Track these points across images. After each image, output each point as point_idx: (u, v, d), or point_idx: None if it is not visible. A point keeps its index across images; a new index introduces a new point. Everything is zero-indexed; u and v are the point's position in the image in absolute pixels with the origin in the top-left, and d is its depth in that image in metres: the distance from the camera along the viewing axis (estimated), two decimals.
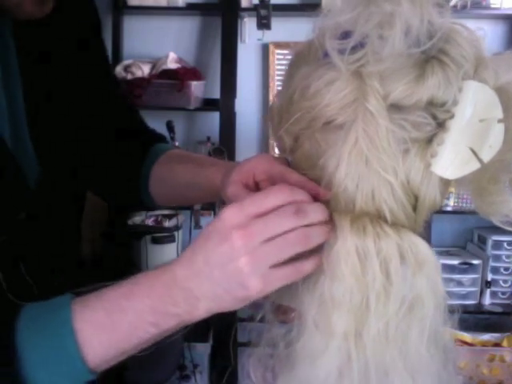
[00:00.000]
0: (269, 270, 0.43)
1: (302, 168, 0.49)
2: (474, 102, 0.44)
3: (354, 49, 0.43)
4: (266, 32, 2.14)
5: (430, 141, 0.45)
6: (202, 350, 2.08)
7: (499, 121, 0.43)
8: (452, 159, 0.44)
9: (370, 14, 0.42)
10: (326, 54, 0.45)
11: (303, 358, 0.46)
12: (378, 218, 0.45)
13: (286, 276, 0.44)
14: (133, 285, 0.48)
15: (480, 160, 0.44)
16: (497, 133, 0.43)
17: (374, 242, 0.44)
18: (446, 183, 0.46)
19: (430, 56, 0.44)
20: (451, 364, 0.48)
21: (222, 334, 2.09)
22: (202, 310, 0.46)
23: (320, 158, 0.46)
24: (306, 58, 0.49)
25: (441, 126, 0.44)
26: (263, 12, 2.06)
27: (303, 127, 0.48)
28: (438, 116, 0.44)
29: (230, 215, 0.44)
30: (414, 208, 0.46)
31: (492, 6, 2.10)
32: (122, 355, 0.48)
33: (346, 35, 0.43)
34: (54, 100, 0.67)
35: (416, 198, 0.46)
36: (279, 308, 0.50)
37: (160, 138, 0.81)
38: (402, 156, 0.44)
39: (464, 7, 2.04)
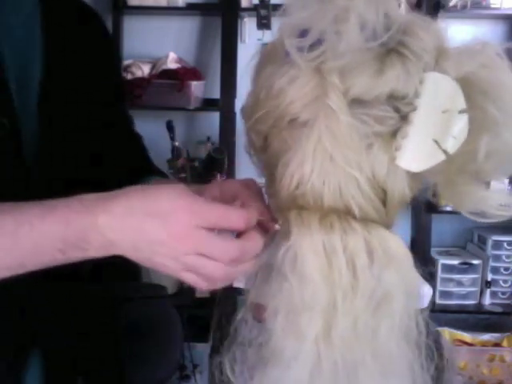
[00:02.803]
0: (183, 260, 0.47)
1: (271, 166, 0.49)
2: (435, 94, 0.43)
3: (313, 46, 0.43)
4: (266, 32, 2.13)
5: (393, 134, 0.44)
6: (202, 350, 2.08)
7: (462, 111, 0.43)
8: (417, 152, 0.44)
9: (325, 10, 0.42)
10: (288, 53, 0.45)
11: (274, 360, 0.46)
12: (347, 214, 0.45)
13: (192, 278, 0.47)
14: (51, 209, 0.47)
15: (445, 151, 0.43)
16: (461, 123, 0.43)
17: (341, 238, 0.44)
18: (414, 176, 0.46)
19: (390, 49, 0.43)
20: (424, 359, 0.47)
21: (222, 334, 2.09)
22: (116, 252, 0.47)
23: (286, 156, 0.46)
24: (271, 57, 0.49)
25: (404, 118, 0.44)
26: (263, 12, 2.06)
27: (270, 126, 0.48)
28: (400, 109, 0.44)
29: (193, 207, 0.46)
30: (384, 202, 0.46)
31: (492, 6, 2.10)
32: (19, 268, 0.48)
33: (304, 33, 0.43)
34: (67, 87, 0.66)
35: (384, 192, 0.46)
36: (257, 306, 0.50)
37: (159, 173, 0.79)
38: (366, 151, 0.44)
39: (464, 7, 2.04)
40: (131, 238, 0.46)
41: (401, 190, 0.46)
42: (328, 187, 0.45)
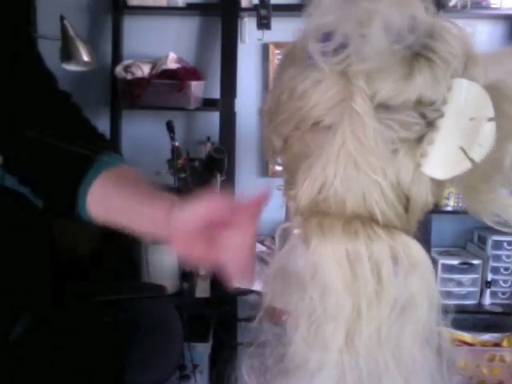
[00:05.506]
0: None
1: (291, 169, 0.49)
2: (463, 101, 0.43)
3: (337, 50, 0.42)
4: (266, 32, 2.14)
5: (419, 140, 0.44)
6: (202, 350, 2.08)
7: (490, 119, 0.42)
8: (442, 159, 0.43)
9: (348, 13, 0.42)
10: (311, 56, 0.44)
11: (296, 371, 0.45)
12: (370, 220, 0.44)
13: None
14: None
15: (471, 159, 0.43)
16: (488, 131, 0.42)
17: (366, 244, 0.43)
18: (438, 183, 0.46)
19: (417, 53, 0.43)
20: (446, 365, 0.47)
21: (222, 334, 2.09)
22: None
23: (309, 159, 0.46)
24: (293, 58, 0.48)
25: (430, 125, 0.43)
26: (263, 12, 2.06)
27: (292, 128, 0.47)
28: (427, 115, 0.43)
29: None
30: (406, 209, 0.46)
31: (492, 5, 2.11)
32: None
33: (327, 37, 0.43)
34: None
35: (407, 199, 0.45)
36: (274, 310, 0.49)
37: (105, 144, 0.72)
38: (391, 156, 0.43)
39: (464, 7, 2.04)
40: None
41: (424, 196, 0.45)
42: (351, 193, 0.44)
